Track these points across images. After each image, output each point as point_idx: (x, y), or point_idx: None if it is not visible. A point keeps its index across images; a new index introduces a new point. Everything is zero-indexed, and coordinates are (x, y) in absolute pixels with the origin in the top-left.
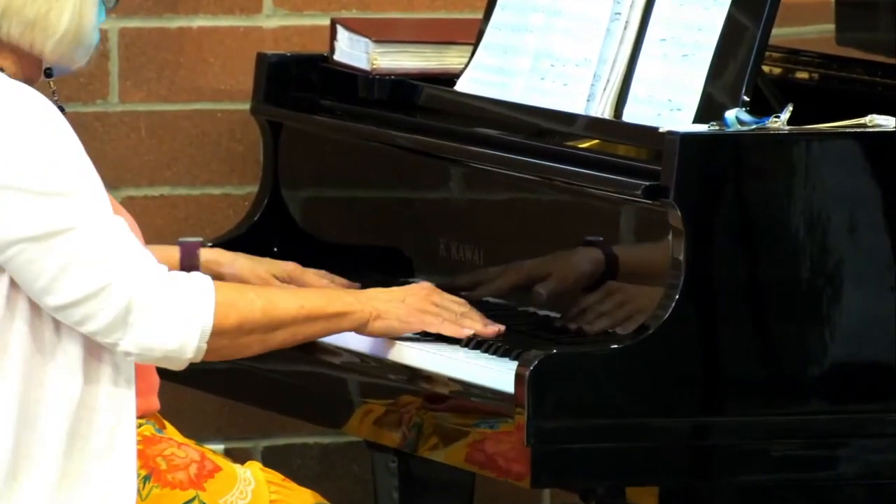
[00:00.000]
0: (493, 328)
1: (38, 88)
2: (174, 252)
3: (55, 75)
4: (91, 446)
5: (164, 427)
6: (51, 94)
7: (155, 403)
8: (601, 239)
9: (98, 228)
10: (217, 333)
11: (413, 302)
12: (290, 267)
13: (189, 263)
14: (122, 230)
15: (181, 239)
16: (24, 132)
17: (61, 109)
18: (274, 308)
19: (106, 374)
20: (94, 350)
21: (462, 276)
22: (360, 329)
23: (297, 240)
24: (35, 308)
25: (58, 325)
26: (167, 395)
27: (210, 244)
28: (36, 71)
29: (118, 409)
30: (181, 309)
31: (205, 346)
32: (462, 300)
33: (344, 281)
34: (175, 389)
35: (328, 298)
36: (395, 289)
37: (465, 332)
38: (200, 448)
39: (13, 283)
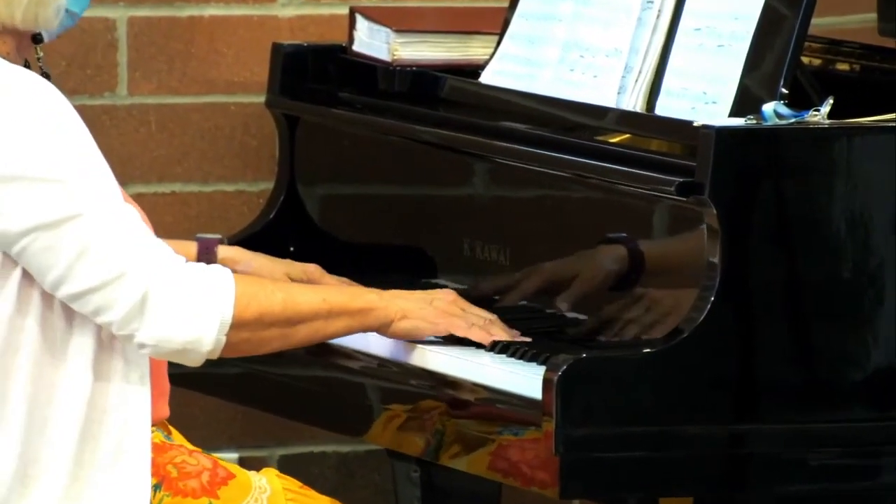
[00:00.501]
0: (519, 339)
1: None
2: (191, 248)
3: (45, 40)
4: (102, 449)
5: (169, 433)
6: (35, 61)
7: (165, 410)
8: (625, 235)
9: (108, 215)
10: (237, 325)
11: (440, 304)
12: (310, 269)
13: (206, 260)
14: (134, 219)
15: (199, 235)
16: (25, 121)
17: (47, 76)
18: (295, 302)
19: (118, 373)
20: (106, 348)
21: (487, 278)
22: (385, 328)
23: (314, 239)
24: (46, 304)
25: (69, 322)
26: (176, 402)
27: (227, 242)
28: (27, 44)
29: (131, 409)
30: (200, 298)
31: (223, 338)
32: (487, 312)
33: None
34: (185, 395)
35: (352, 294)
36: (419, 291)
37: (493, 338)
38: (212, 455)
39: (25, 279)
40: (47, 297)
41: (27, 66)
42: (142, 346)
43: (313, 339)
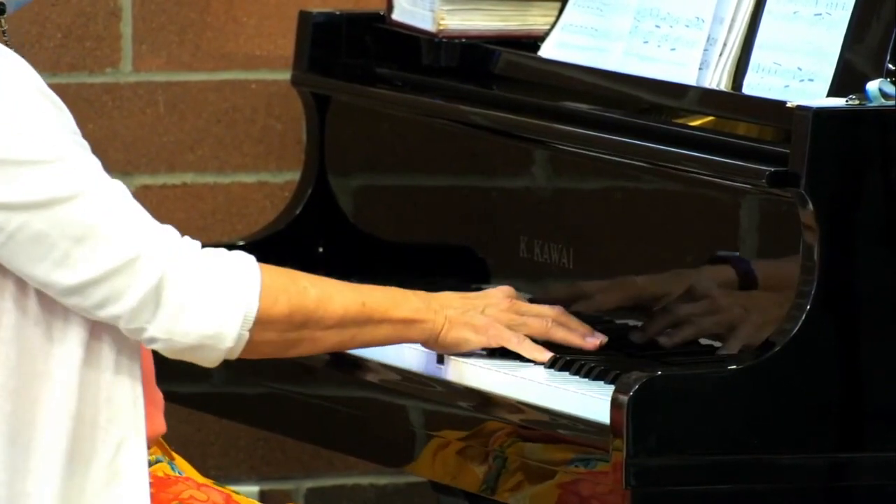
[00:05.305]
0: (593, 340)
1: None
2: None
3: (9, 11)
4: (94, 471)
5: (172, 458)
6: (1, 35)
7: (161, 424)
8: (707, 233)
9: (109, 194)
10: (262, 322)
11: (492, 312)
12: None
13: None
14: (130, 198)
15: None
16: (3, 101)
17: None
18: (330, 301)
19: (104, 388)
20: (91, 362)
21: (546, 282)
22: (430, 343)
23: (348, 238)
24: (21, 312)
25: (47, 332)
26: (189, 426)
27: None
28: None
29: (124, 428)
30: (222, 287)
31: (247, 334)
32: (556, 308)
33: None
34: (198, 419)
35: (395, 300)
36: (471, 294)
37: (544, 357)
38: (224, 489)
39: None
40: (21, 304)
41: None
42: (152, 340)
43: (345, 347)
